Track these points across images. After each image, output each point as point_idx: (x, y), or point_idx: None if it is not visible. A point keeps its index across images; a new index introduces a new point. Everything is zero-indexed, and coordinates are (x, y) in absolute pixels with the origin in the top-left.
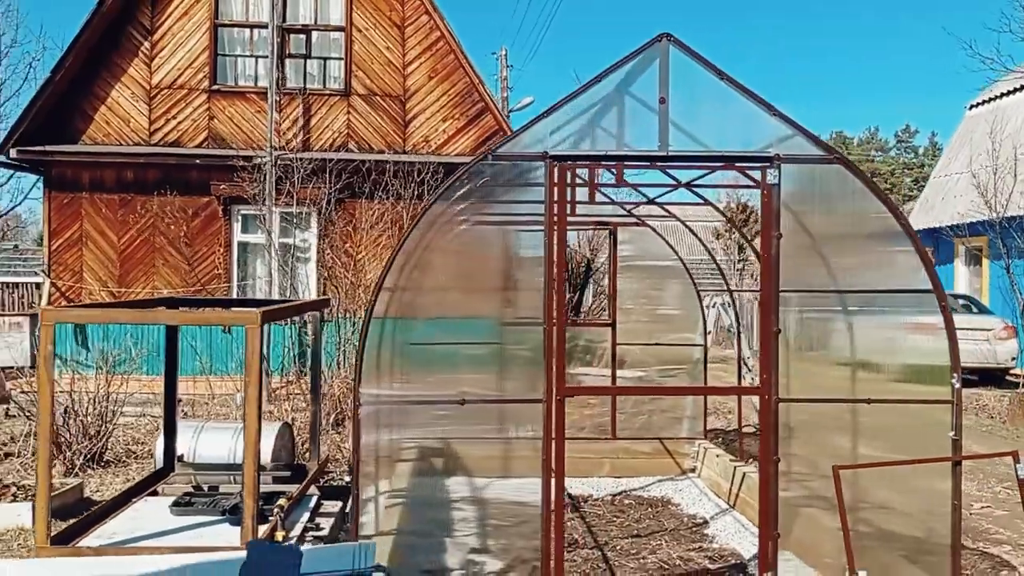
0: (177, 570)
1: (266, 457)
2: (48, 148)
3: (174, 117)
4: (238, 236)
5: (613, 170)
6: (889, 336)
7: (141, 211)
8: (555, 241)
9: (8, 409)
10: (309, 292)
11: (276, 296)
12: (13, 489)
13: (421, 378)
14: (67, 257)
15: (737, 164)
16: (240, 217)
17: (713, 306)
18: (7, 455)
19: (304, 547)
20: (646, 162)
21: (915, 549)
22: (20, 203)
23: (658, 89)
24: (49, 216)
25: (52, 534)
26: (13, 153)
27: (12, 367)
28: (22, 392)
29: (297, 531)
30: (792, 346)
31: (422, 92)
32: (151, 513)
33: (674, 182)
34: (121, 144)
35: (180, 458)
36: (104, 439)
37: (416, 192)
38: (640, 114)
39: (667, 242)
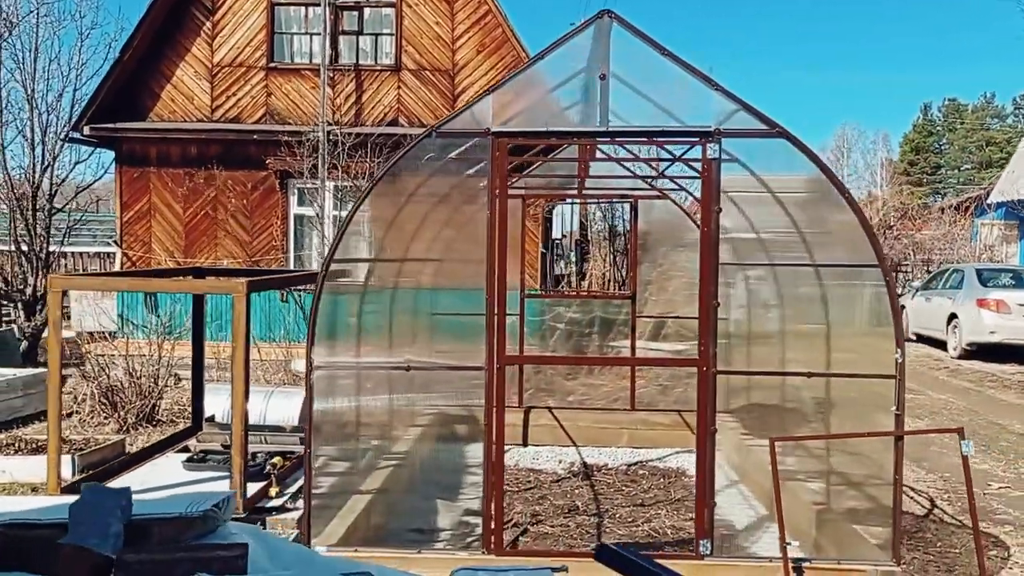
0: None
1: (292, 419)
2: (118, 125)
3: (234, 94)
4: (294, 209)
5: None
6: (840, 309)
7: (204, 185)
8: (497, 214)
9: (85, 371)
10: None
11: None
12: (78, 442)
13: (375, 344)
14: (137, 228)
15: (677, 139)
16: (296, 191)
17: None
18: (69, 414)
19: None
20: (586, 138)
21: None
22: (101, 177)
23: (599, 65)
24: (120, 190)
25: (72, 482)
26: (86, 130)
27: (103, 331)
28: (98, 356)
29: (293, 489)
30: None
31: (470, 66)
32: (167, 468)
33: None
34: (185, 121)
35: (211, 418)
36: (155, 399)
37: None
38: (584, 90)
39: (688, 214)
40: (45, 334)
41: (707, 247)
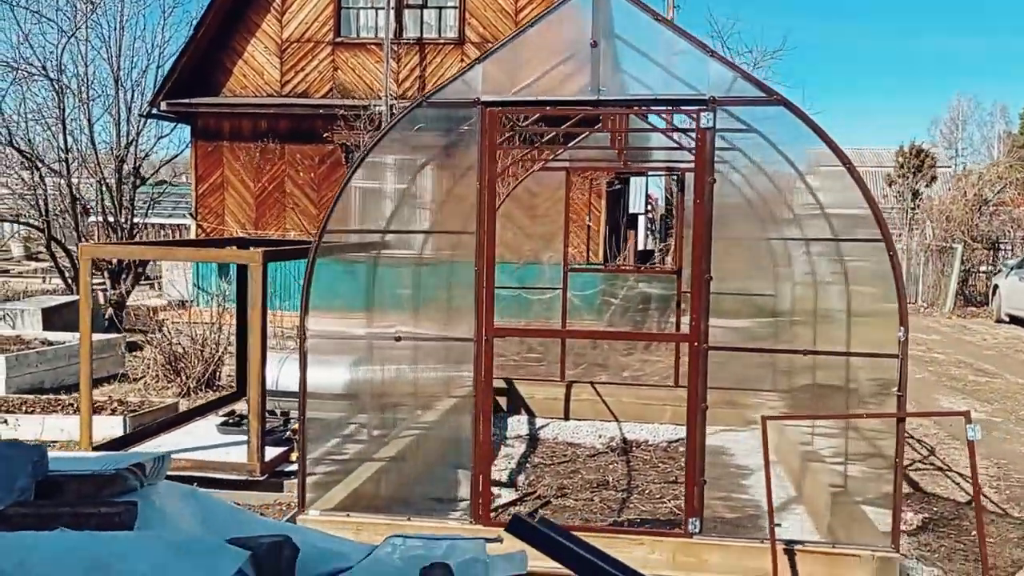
0: None
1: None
2: (193, 100)
3: (302, 69)
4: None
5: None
6: (842, 287)
7: (273, 159)
8: (485, 184)
9: (151, 339)
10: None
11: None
12: (114, 405)
13: (369, 314)
14: (211, 201)
15: (672, 108)
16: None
17: None
18: (137, 378)
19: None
20: (577, 107)
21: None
22: (182, 152)
23: (591, 32)
24: (195, 163)
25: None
26: (163, 106)
27: (185, 300)
28: (168, 324)
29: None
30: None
31: None
32: (202, 431)
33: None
34: (256, 96)
35: None
36: (214, 365)
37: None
38: (577, 58)
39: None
40: (129, 301)
41: (701, 221)
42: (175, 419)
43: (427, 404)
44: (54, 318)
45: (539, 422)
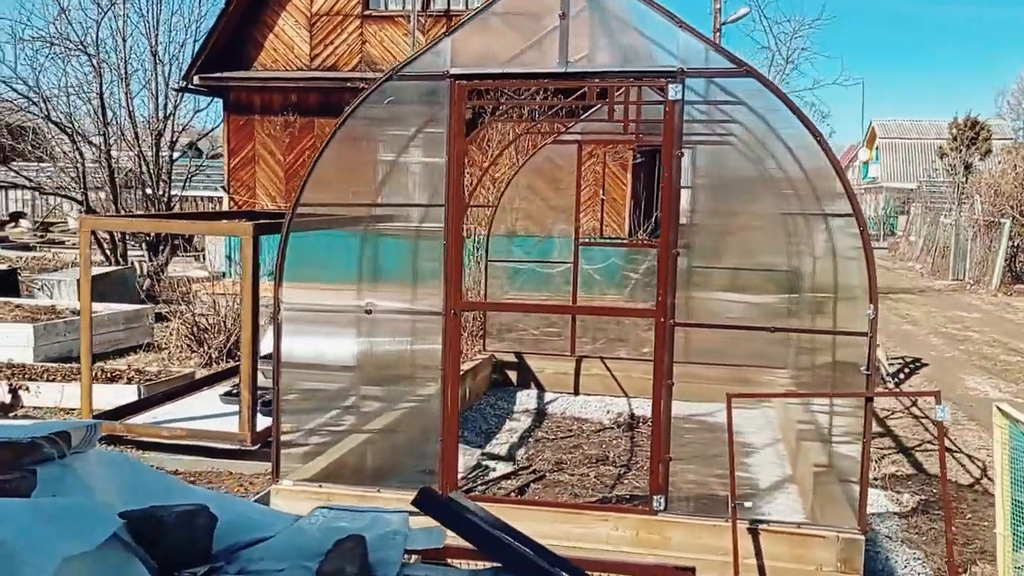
0: None
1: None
2: (224, 75)
3: (331, 43)
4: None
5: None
6: (811, 263)
7: (303, 132)
8: (454, 158)
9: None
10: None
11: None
12: (131, 374)
13: (342, 287)
14: (243, 174)
15: (641, 79)
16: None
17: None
18: (161, 348)
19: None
20: (544, 79)
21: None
22: (218, 125)
23: (559, 3)
24: (228, 137)
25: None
26: (196, 80)
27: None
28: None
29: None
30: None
31: None
32: (206, 400)
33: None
34: (286, 69)
35: (268, 356)
36: (235, 336)
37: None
38: (547, 30)
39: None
40: (173, 273)
41: (668, 194)
42: (184, 388)
43: (406, 377)
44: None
45: (548, 396)
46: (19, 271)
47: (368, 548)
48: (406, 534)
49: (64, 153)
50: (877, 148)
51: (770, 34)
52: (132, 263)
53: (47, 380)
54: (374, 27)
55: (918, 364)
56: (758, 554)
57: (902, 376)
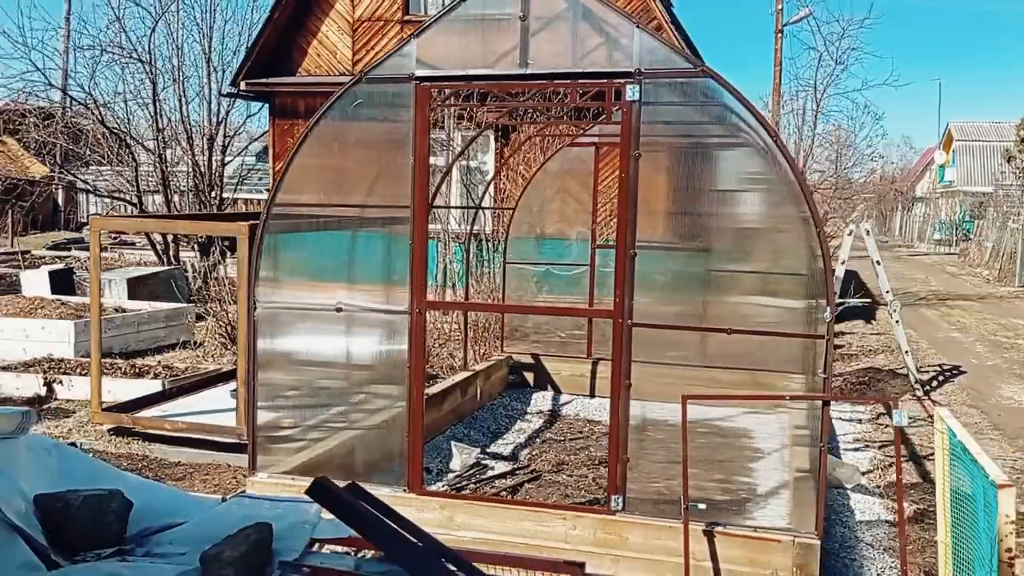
0: None
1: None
2: (270, 80)
3: (372, 48)
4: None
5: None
6: (770, 264)
7: None
8: (418, 159)
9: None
10: (486, 213)
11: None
12: (159, 369)
13: (315, 286)
14: None
15: (598, 80)
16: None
17: (849, 233)
18: (199, 344)
19: None
20: (504, 81)
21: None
22: (266, 131)
23: (519, 5)
24: (273, 141)
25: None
26: (243, 85)
27: None
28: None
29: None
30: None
31: None
32: (215, 396)
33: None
34: (329, 75)
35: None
36: None
37: (590, 112)
38: (507, 32)
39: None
40: (218, 272)
41: (625, 195)
42: (201, 383)
43: (378, 374)
44: (138, 288)
45: (563, 398)
46: (75, 270)
47: (274, 535)
48: (315, 524)
49: (119, 158)
50: (954, 151)
51: (818, 34)
52: (184, 264)
53: (80, 374)
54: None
55: (955, 372)
56: (713, 557)
57: (934, 384)
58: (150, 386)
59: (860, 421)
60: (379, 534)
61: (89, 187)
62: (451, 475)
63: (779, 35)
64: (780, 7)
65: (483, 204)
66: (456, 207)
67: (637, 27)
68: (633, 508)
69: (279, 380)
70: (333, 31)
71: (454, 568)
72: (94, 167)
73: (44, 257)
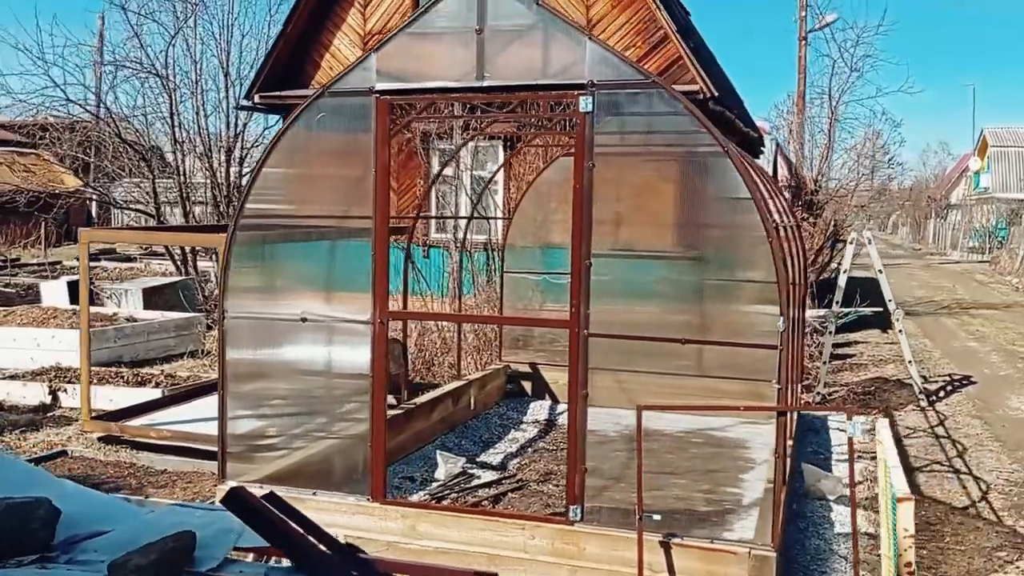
0: None
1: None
2: (282, 93)
3: None
4: (436, 169)
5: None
6: (726, 275)
7: None
8: (379, 170)
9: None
10: (496, 222)
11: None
12: (160, 378)
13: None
14: None
15: (553, 92)
16: (437, 151)
17: (850, 241)
18: (206, 355)
19: None
20: (461, 94)
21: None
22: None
23: (476, 18)
24: None
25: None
26: (256, 98)
27: None
28: None
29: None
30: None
31: (605, 21)
32: (204, 405)
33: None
34: None
35: None
36: None
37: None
38: (465, 45)
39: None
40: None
41: (580, 205)
42: (193, 392)
43: (344, 384)
44: (154, 297)
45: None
46: (94, 280)
47: (198, 543)
48: (240, 533)
49: (138, 170)
50: (989, 157)
51: (832, 42)
52: (205, 273)
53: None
54: None
55: (965, 382)
56: (670, 568)
57: (941, 394)
58: (150, 394)
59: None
60: (288, 544)
61: (108, 199)
62: (435, 484)
63: (802, 42)
64: (803, 14)
65: (492, 214)
66: (447, 216)
67: (590, 39)
68: (601, 519)
69: (249, 390)
70: (345, 44)
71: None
72: (127, 180)
73: (73, 268)
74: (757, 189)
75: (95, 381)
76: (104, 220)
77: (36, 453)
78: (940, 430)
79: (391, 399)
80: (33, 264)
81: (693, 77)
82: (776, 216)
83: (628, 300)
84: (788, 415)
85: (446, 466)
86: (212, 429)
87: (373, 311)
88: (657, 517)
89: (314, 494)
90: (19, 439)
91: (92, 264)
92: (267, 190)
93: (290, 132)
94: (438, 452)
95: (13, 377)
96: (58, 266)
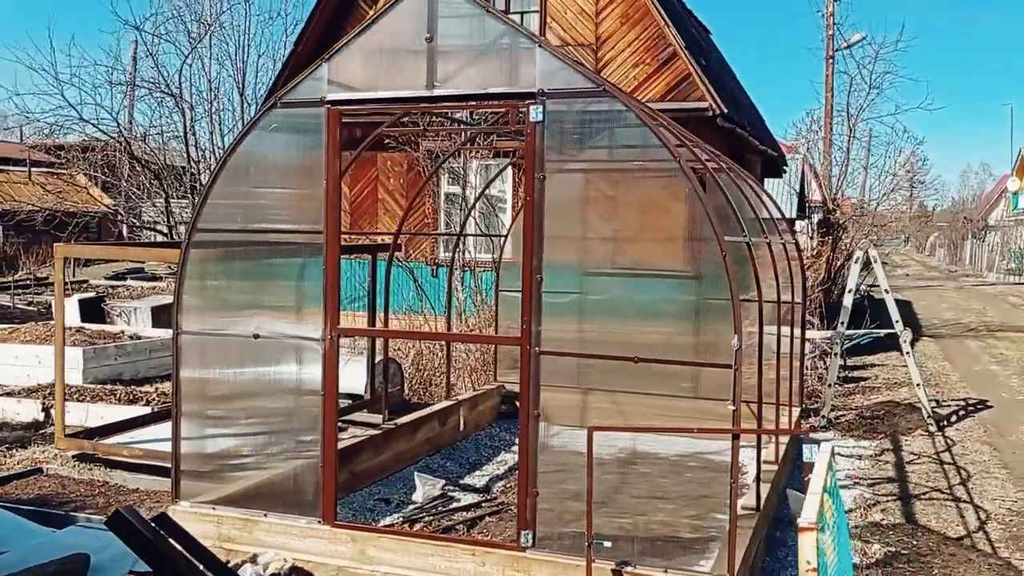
0: None
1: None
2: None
3: None
4: (445, 188)
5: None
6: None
7: (367, 165)
8: (331, 183)
9: None
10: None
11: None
12: (153, 395)
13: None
14: None
15: (502, 101)
16: (445, 170)
17: (856, 261)
18: None
19: None
20: (411, 104)
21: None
22: None
23: (426, 27)
24: None
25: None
26: None
27: None
28: None
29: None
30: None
31: (614, 38)
32: None
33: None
34: None
35: None
36: None
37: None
38: (417, 54)
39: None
40: None
41: (531, 218)
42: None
43: (296, 402)
44: (163, 316)
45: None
46: (105, 299)
47: (91, 566)
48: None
49: (151, 189)
50: None
51: (851, 58)
52: None
53: (78, 400)
54: None
55: (980, 406)
56: None
57: (953, 419)
58: (140, 412)
59: (860, 457)
60: (172, 569)
61: (122, 217)
62: (410, 507)
63: (830, 60)
64: (831, 32)
65: (500, 232)
66: (436, 233)
67: (539, 47)
68: (553, 546)
69: (203, 409)
70: None
71: None
72: (160, 200)
73: (100, 286)
74: (704, 201)
75: (88, 399)
76: (134, 240)
77: (19, 470)
78: (946, 456)
79: (374, 418)
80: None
81: (703, 94)
82: (743, 234)
83: (597, 318)
84: (777, 438)
85: (424, 488)
86: (161, 445)
87: (324, 327)
88: (608, 544)
89: (265, 515)
90: (5, 456)
91: (117, 283)
92: (220, 205)
93: (242, 146)
94: (416, 474)
95: (9, 394)
96: (84, 284)
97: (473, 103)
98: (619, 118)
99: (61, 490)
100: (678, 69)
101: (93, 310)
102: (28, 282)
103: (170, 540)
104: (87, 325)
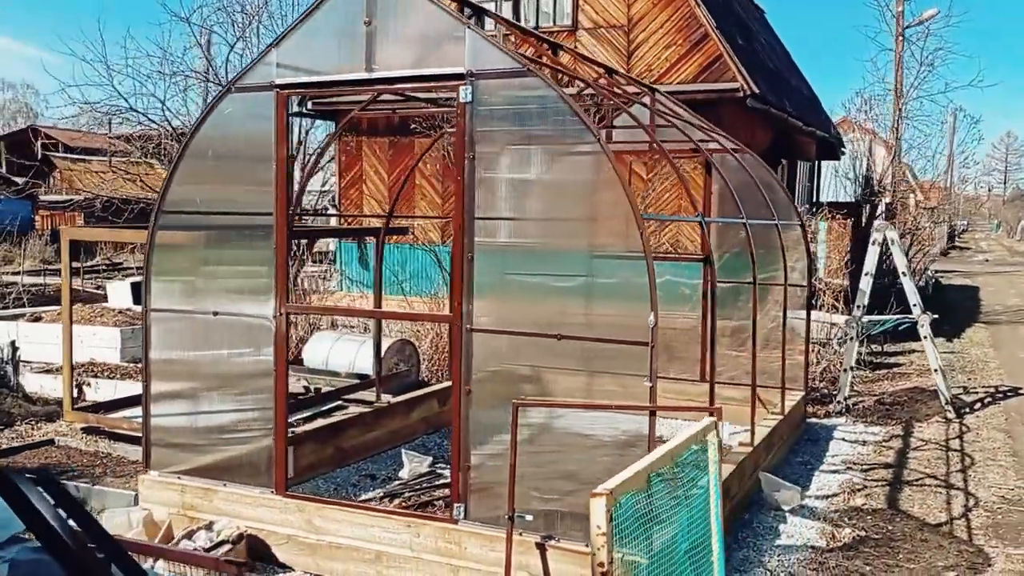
0: None
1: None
2: (333, 99)
3: None
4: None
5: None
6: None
7: (404, 152)
8: (280, 165)
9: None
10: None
11: None
12: None
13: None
14: (351, 193)
15: (435, 82)
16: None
17: (874, 243)
18: None
19: None
20: (355, 85)
21: None
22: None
23: (364, 10)
24: (338, 158)
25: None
26: (309, 105)
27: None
28: None
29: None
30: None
31: (645, 20)
32: None
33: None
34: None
35: (295, 361)
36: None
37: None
38: (357, 37)
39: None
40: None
41: (460, 199)
42: None
43: (255, 377)
44: None
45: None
46: None
47: None
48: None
49: None
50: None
51: (901, 37)
52: None
53: (107, 378)
54: None
55: (1010, 393)
56: (545, 571)
57: (977, 406)
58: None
59: (864, 443)
60: (43, 528)
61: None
62: (395, 483)
63: (899, 39)
64: (900, 9)
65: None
66: (425, 216)
67: (468, 28)
68: (482, 517)
69: (170, 384)
70: None
71: (103, 556)
72: None
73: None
74: (624, 181)
75: (119, 376)
76: None
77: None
78: (956, 443)
79: (368, 395)
80: (132, 268)
81: (734, 75)
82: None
83: (524, 297)
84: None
85: (411, 465)
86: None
87: (275, 305)
88: (529, 517)
89: (224, 485)
90: (32, 428)
91: None
92: (183, 189)
93: (201, 130)
94: (404, 451)
95: (47, 371)
96: (125, 269)
97: (408, 84)
98: (544, 100)
99: (65, 460)
100: (709, 50)
101: (138, 292)
102: (102, 267)
103: (52, 503)
104: (135, 307)
